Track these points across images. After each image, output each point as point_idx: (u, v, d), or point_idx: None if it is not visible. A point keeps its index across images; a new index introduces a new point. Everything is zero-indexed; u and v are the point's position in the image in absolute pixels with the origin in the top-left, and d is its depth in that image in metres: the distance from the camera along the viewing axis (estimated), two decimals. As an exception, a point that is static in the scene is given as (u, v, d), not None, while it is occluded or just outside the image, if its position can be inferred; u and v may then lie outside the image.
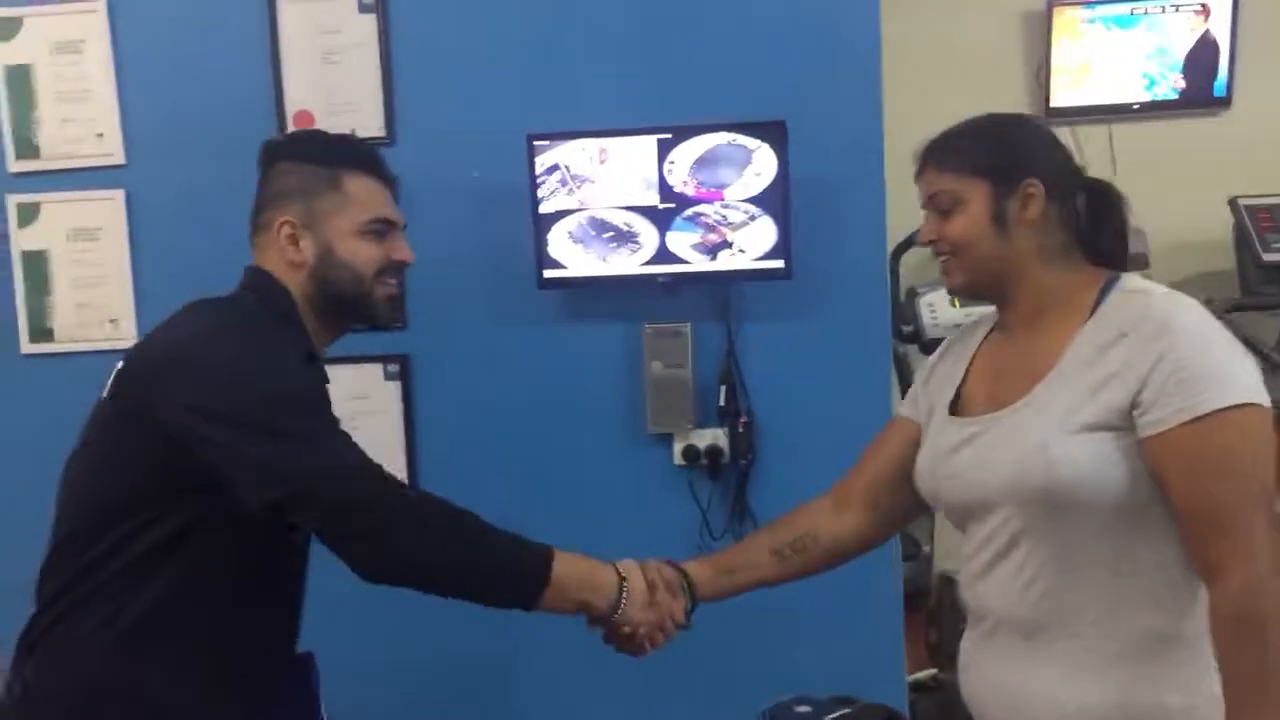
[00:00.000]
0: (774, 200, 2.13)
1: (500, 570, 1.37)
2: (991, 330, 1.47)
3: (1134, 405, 1.26)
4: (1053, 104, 3.11)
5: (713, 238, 2.16)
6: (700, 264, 2.16)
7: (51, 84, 2.31)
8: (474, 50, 2.25)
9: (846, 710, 1.43)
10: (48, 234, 2.31)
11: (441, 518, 1.35)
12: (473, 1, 2.26)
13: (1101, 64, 3.12)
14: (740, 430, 2.25)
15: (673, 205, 2.15)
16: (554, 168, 2.15)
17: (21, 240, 2.32)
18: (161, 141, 2.30)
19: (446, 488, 1.97)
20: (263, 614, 1.41)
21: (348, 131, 2.13)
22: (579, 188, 2.16)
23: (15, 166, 2.31)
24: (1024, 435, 1.31)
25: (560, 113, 2.20)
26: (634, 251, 2.17)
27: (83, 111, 2.30)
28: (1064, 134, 1.67)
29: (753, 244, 2.15)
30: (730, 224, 2.15)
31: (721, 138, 2.13)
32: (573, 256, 2.18)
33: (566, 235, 2.17)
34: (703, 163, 2.13)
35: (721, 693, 2.02)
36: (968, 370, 1.47)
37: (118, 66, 2.29)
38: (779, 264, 2.14)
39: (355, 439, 1.35)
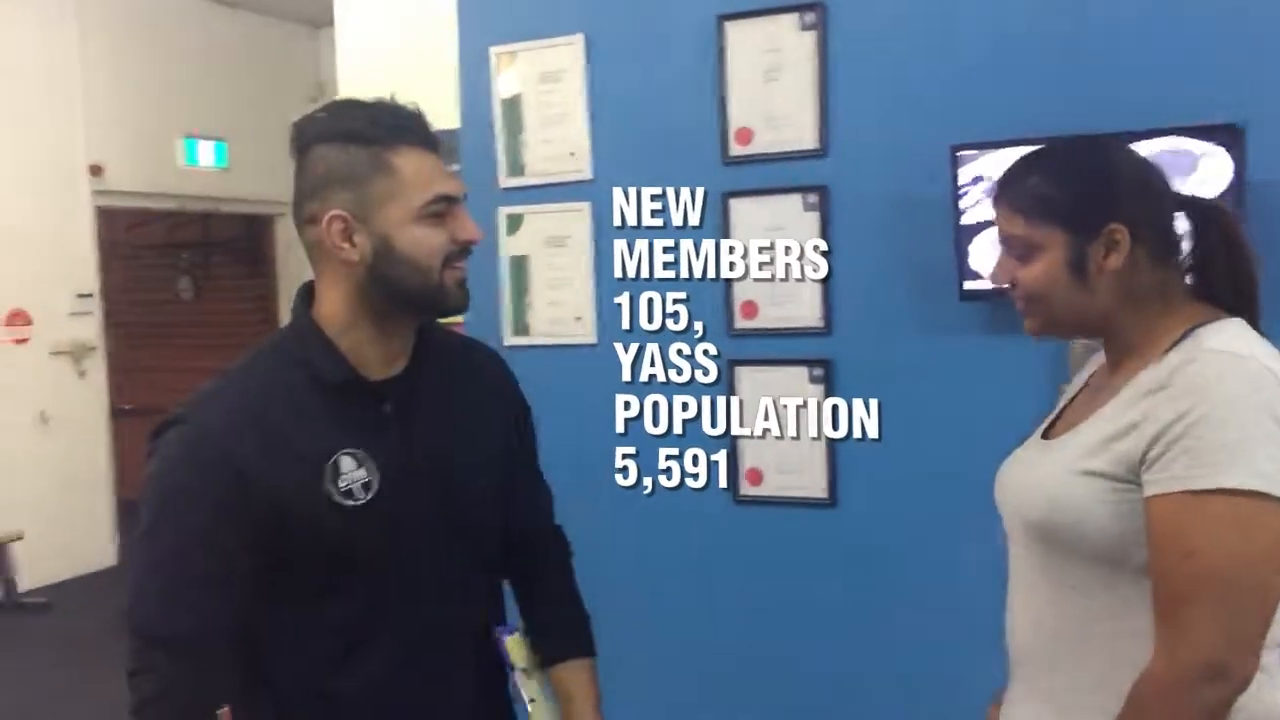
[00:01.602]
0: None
1: None
2: None
3: (1143, 460, 1.11)
4: None
5: (1152, 249, 2.03)
6: (1138, 276, 2.04)
7: (537, 110, 2.65)
8: (903, 63, 2.28)
9: None
10: (528, 242, 2.66)
11: None
12: (905, 13, 2.29)
13: None
14: None
15: (1107, 215, 2.05)
16: (978, 178, 2.14)
17: (509, 247, 2.69)
18: (622, 158, 2.57)
19: (868, 487, 2.05)
20: None
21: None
22: (1006, 198, 2.12)
23: (505, 182, 2.68)
24: (1045, 468, 1.21)
25: (984, 122, 2.17)
26: (1062, 263, 2.09)
27: (560, 133, 2.62)
28: None
29: (1198, 256, 1.99)
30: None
31: (1164, 143, 1.99)
32: (995, 268, 2.15)
33: (988, 247, 2.14)
34: (1143, 170, 2.01)
35: None
36: (1078, 393, 1.34)
37: (589, 92, 2.58)
38: (1229, 278, 1.97)
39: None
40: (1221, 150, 1.96)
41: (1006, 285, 1.29)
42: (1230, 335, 1.18)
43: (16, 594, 5.74)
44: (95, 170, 6.38)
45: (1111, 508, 1.17)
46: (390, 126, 1.28)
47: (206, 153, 7.09)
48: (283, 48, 7.34)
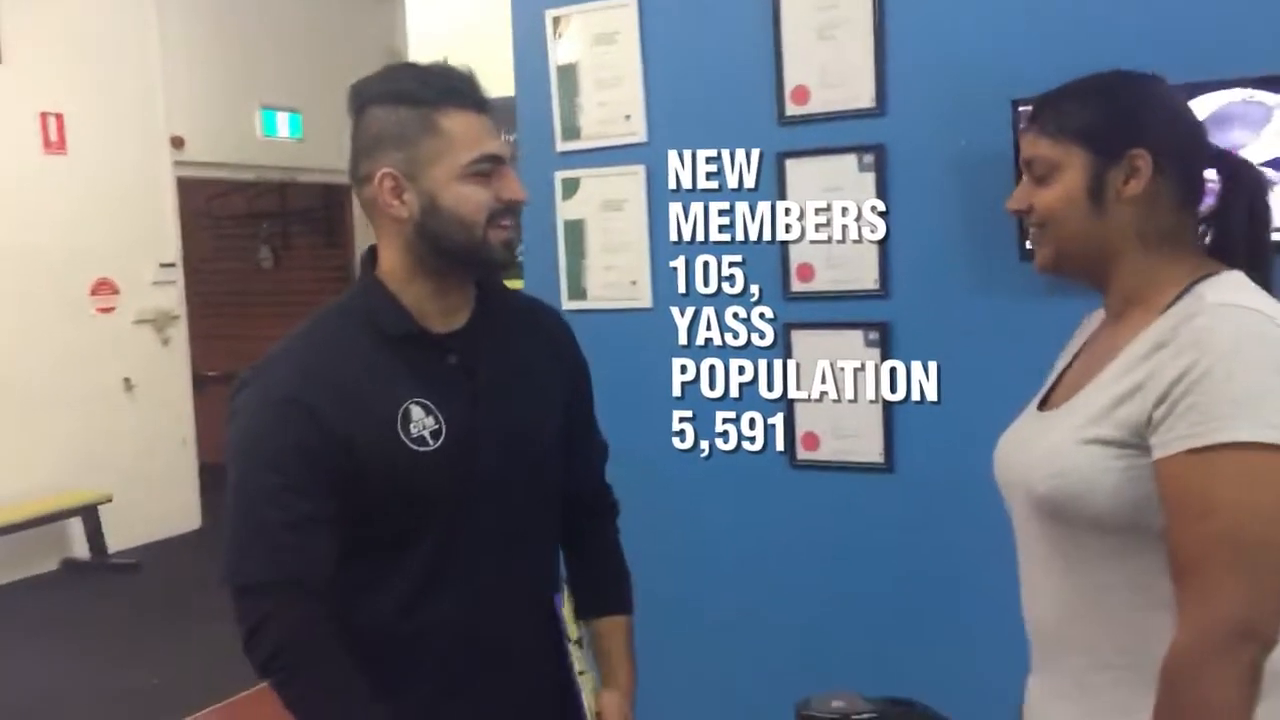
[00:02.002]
0: (1299, 163, 1.88)
1: None
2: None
3: (1149, 423, 1.06)
4: None
5: (1221, 206, 1.96)
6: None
7: (592, 73, 2.63)
8: (960, 17, 2.22)
9: (880, 711, 1.28)
10: (584, 205, 2.65)
11: (302, 669, 1.29)
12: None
13: None
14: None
15: (1174, 171, 1.98)
16: (1039, 134, 2.08)
17: (565, 211, 2.69)
18: (678, 120, 2.54)
19: (926, 452, 2.02)
20: None
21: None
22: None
23: (561, 146, 2.67)
24: (1047, 437, 1.16)
25: (1046, 75, 2.09)
26: (1127, 221, 2.03)
27: (615, 96, 2.60)
28: None
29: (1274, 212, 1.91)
30: (1244, 190, 1.93)
31: (1235, 94, 1.92)
32: (1059, 225, 2.09)
33: (1050, 203, 2.08)
34: (1213, 122, 1.93)
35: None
36: (1074, 359, 1.29)
37: (644, 55, 2.56)
38: (1301, 235, 1.90)
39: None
40: (1295, 102, 1.88)
41: (1023, 210, 1.26)
42: (1232, 288, 1.14)
43: (106, 554, 5.95)
44: (176, 142, 6.54)
45: (1119, 474, 1.13)
46: (440, 89, 1.33)
47: (283, 124, 7.21)
48: (357, 17, 7.41)
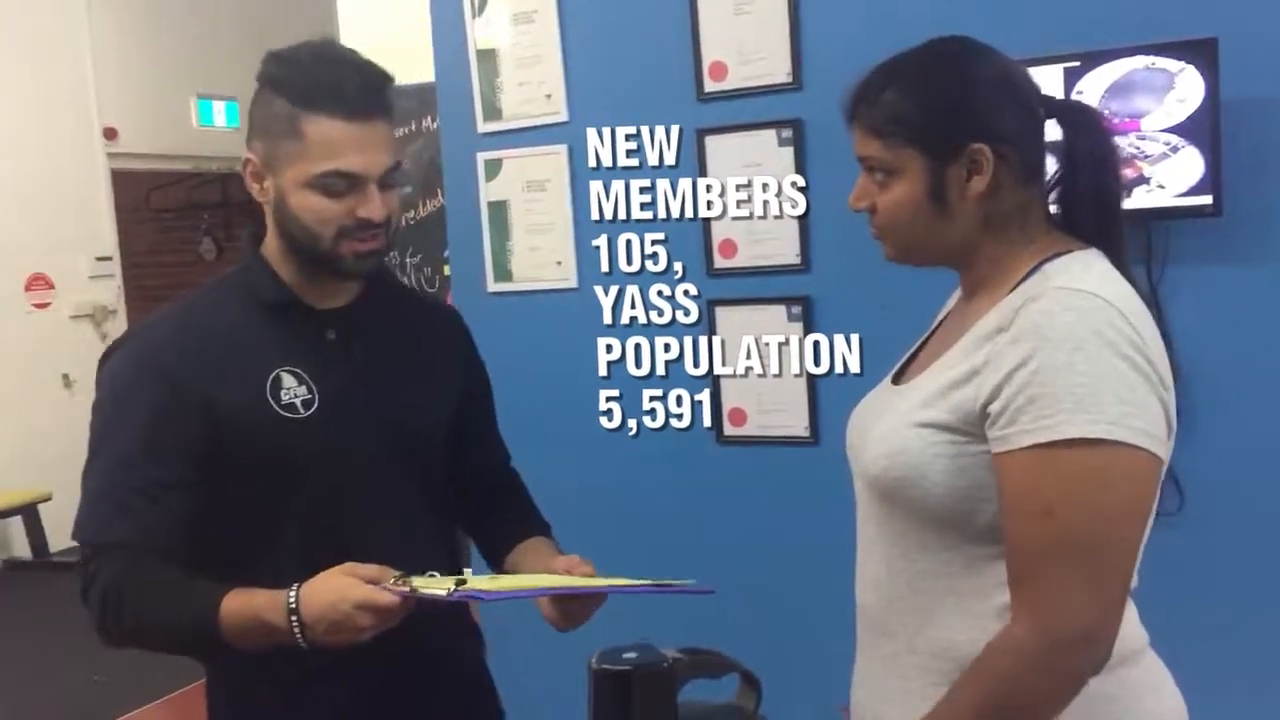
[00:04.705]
0: (1200, 128, 1.91)
1: (176, 625, 1.26)
2: None
3: (985, 414, 1.03)
4: None
5: (1128, 173, 1.98)
6: (1114, 201, 2.00)
7: (511, 53, 2.61)
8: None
9: (675, 658, 1.25)
10: (507, 186, 2.64)
11: (128, 592, 1.26)
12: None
13: None
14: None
15: (1083, 139, 2.00)
16: (948, 104, 2.09)
17: (489, 192, 2.67)
18: (598, 99, 2.53)
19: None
20: None
21: (757, 82, 2.22)
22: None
23: (483, 127, 2.65)
24: (887, 419, 1.12)
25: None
26: (1038, 189, 2.05)
27: (535, 75, 2.58)
28: None
29: (1174, 178, 1.94)
30: (1148, 157, 1.96)
31: (1138, 61, 1.94)
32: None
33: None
34: (1115, 90, 1.96)
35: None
36: (932, 332, 1.26)
37: (562, 33, 2.54)
38: (1206, 200, 1.93)
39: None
40: (1193, 68, 1.90)
41: (868, 209, 1.19)
42: (1078, 270, 1.09)
43: (48, 553, 5.86)
44: (110, 133, 6.43)
45: (949, 461, 1.09)
46: (312, 90, 1.27)
47: (220, 113, 7.11)
48: (291, 2, 7.31)
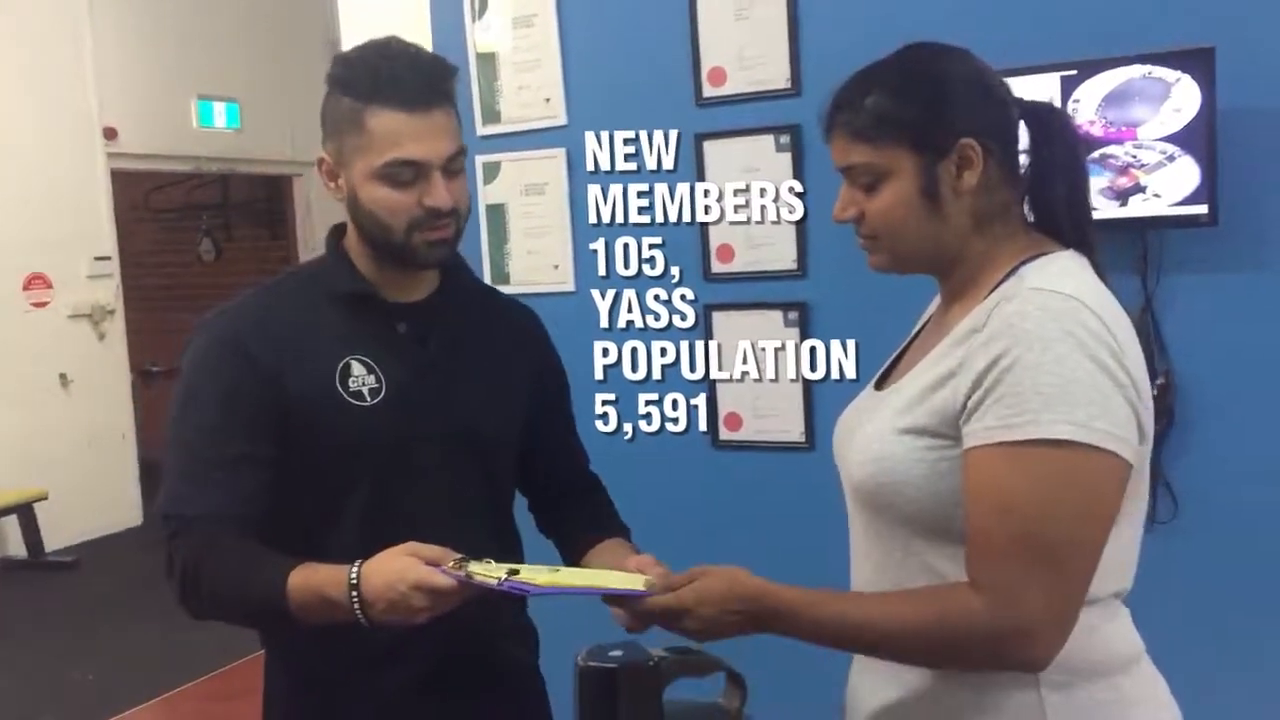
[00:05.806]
0: (1196, 138, 1.91)
1: (247, 595, 1.30)
2: None
3: (962, 412, 1.03)
4: None
5: (1123, 181, 1.99)
6: (1109, 210, 2.00)
7: (511, 56, 2.62)
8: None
9: (661, 657, 1.25)
10: (506, 189, 2.64)
11: (206, 564, 1.31)
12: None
13: None
14: (1156, 392, 2.07)
15: (1079, 147, 2.00)
16: (945, 112, 2.10)
17: (487, 195, 2.67)
18: (597, 103, 2.53)
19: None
20: None
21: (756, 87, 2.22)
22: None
23: (482, 130, 2.66)
24: (870, 425, 1.12)
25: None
26: (1035, 197, 2.06)
27: (534, 79, 2.59)
28: None
29: (1170, 187, 1.95)
30: (1144, 166, 1.96)
31: (1135, 70, 1.94)
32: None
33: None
34: (1112, 99, 1.97)
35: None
36: (915, 336, 1.26)
37: (562, 37, 2.55)
38: (1201, 209, 1.93)
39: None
40: (1189, 77, 1.91)
41: (854, 219, 1.18)
42: (1055, 271, 1.09)
43: (43, 553, 5.86)
44: (109, 133, 6.44)
45: (929, 467, 1.08)
46: (376, 83, 1.32)
47: (220, 114, 7.11)
48: (293, 3, 7.32)
